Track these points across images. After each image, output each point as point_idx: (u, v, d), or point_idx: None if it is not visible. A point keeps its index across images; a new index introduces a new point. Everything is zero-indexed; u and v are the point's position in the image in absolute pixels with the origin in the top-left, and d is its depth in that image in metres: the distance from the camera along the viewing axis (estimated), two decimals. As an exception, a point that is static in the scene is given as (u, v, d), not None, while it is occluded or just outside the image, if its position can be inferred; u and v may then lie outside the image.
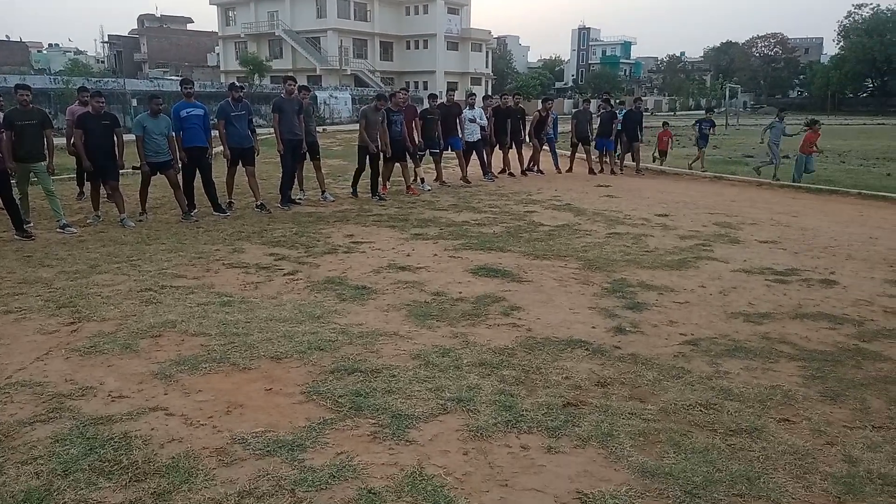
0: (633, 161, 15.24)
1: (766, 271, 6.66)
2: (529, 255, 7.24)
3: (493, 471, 3.08)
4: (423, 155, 12.39)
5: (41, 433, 3.35)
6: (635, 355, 4.43)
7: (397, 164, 11.46)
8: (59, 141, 10.24)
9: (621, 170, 15.31)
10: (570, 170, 15.33)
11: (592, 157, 15.31)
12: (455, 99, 13.34)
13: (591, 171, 15.05)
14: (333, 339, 4.64)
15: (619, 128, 14.88)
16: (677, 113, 59.39)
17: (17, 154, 7.93)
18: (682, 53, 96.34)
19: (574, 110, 17.09)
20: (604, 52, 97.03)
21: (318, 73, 52.53)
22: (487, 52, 65.17)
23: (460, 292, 5.86)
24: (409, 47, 59.83)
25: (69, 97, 22.72)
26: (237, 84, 10.51)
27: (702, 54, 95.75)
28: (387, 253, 7.29)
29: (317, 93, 36.68)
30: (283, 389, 3.89)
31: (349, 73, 53.44)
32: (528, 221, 9.20)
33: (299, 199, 10.56)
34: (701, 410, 3.65)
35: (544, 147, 15.38)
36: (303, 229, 8.47)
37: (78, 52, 76.83)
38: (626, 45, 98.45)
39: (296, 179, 10.55)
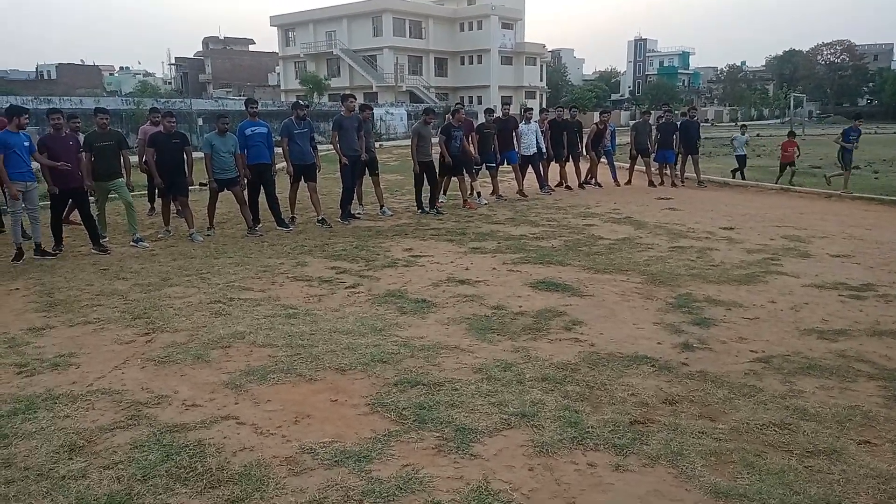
0: (695, 173, 14.92)
1: (840, 286, 6.39)
2: (590, 269, 7.16)
3: (560, 488, 3.05)
4: (480, 169, 12.44)
5: (121, 439, 3.49)
6: (704, 372, 4.31)
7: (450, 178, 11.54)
8: (132, 159, 10.74)
9: (682, 182, 15.01)
10: (629, 182, 15.12)
11: (652, 169, 15.06)
12: (510, 113, 13.35)
13: (652, 184, 14.79)
14: (396, 352, 4.69)
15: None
16: (738, 123, 57.82)
17: (96, 174, 8.35)
18: (743, 63, 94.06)
19: (633, 122, 16.85)
20: (661, 63, 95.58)
21: (374, 90, 53.46)
22: (542, 66, 65.04)
23: (520, 306, 5.84)
24: (463, 63, 60.27)
25: (139, 118, 23.80)
26: (301, 103, 10.80)
27: (763, 63, 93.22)
28: (445, 266, 7.33)
29: (373, 109, 37.34)
30: (349, 401, 3.95)
31: (404, 89, 54.19)
32: (588, 235, 9.11)
33: (358, 213, 10.74)
34: (775, 430, 3.53)
35: (602, 160, 15.23)
36: (363, 243, 8.61)
37: (147, 74, 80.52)
38: (685, 56, 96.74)
39: (355, 195, 10.74)
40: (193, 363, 4.56)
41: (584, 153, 14.93)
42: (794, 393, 4.01)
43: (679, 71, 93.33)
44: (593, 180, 14.93)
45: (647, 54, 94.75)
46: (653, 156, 14.91)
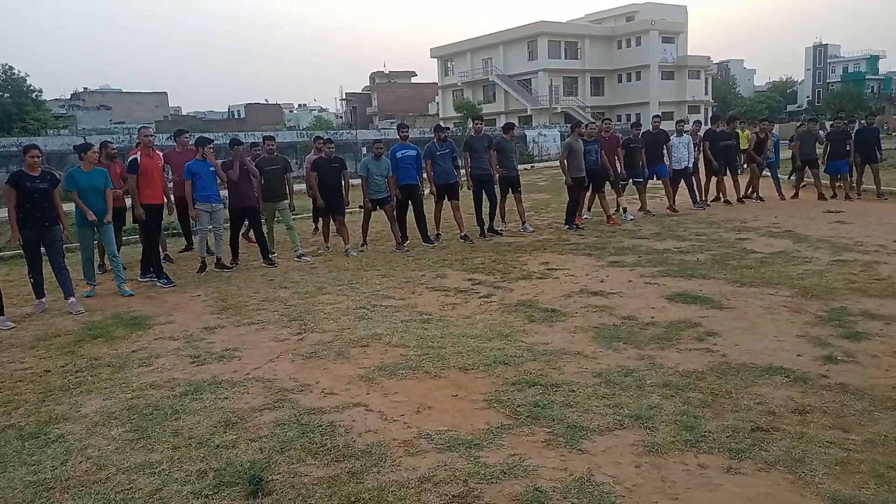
0: (874, 184, 13.50)
1: None
2: (735, 283, 6.83)
3: (665, 485, 3.03)
4: (626, 184, 12.23)
5: (267, 418, 3.97)
6: (844, 385, 4.02)
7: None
8: (301, 186, 11.88)
9: (859, 194, 13.65)
10: (795, 196, 14.02)
11: (822, 180, 13.86)
12: (660, 126, 12.99)
13: (822, 197, 13.58)
14: (518, 356, 4.84)
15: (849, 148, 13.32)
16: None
17: (264, 195, 9.37)
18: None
19: (797, 130, 15.61)
20: (845, 69, 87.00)
21: (528, 113, 54.04)
22: (707, 79, 62.03)
23: (652, 317, 5.74)
24: (620, 80, 59.13)
25: (311, 148, 26.02)
26: (441, 126, 11.37)
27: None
28: (580, 279, 7.35)
29: (526, 132, 37.75)
30: (468, 396, 4.17)
31: (559, 110, 54.18)
32: (739, 249, 8.65)
33: (501, 230, 11.01)
34: (919, 446, 3.23)
35: (765, 172, 14.28)
36: (501, 257, 8.85)
37: (321, 109, 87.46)
38: (873, 60, 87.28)
39: (498, 212, 11.04)
40: (335, 359, 5.03)
41: (745, 166, 14.10)
42: (952, 410, 3.62)
43: (867, 76, 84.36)
44: (755, 194, 14.03)
45: (829, 60, 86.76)
46: (823, 167, 13.73)
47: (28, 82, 41.06)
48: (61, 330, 6.30)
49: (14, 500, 3.20)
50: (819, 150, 13.91)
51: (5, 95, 39.48)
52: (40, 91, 42.60)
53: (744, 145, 14.16)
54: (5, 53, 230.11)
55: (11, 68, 40.42)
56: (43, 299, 7.16)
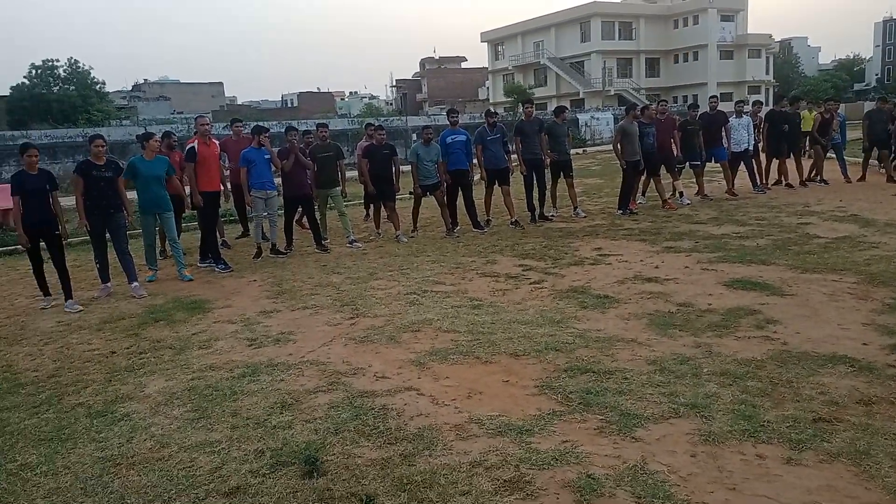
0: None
1: None
2: (797, 269, 6.60)
3: (722, 474, 2.97)
4: (683, 168, 11.91)
5: (321, 400, 4.06)
6: (915, 375, 3.84)
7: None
8: (353, 173, 12.01)
9: (932, 176, 12.95)
10: (862, 178, 13.38)
11: (893, 163, 13.19)
12: (718, 108, 12.59)
13: (891, 179, 12.96)
14: (570, 342, 4.80)
15: None
16: None
17: (318, 181, 9.50)
18: None
19: (867, 110, 14.90)
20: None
21: (580, 96, 53.11)
22: (767, 58, 59.69)
23: (709, 304, 5.60)
24: (677, 61, 57.47)
25: (362, 135, 26.23)
26: (491, 111, 11.29)
27: None
28: (634, 265, 7.22)
29: (578, 115, 37.16)
30: (519, 382, 4.16)
31: (612, 93, 53.07)
32: (801, 234, 8.34)
33: (552, 215, 10.89)
34: None
35: (829, 154, 13.69)
36: (552, 243, 8.76)
37: (372, 97, 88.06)
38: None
39: (549, 197, 10.91)
40: (387, 343, 5.08)
41: (808, 147, 13.55)
42: None
43: (945, 51, 79.73)
44: (818, 177, 13.47)
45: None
46: (895, 147, 13.07)
47: (92, 75, 42.71)
48: (125, 313, 6.56)
49: (84, 474, 3.37)
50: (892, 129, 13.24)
51: (71, 88, 41.15)
52: (103, 83, 44.32)
53: (808, 127, 13.60)
54: (71, 47, 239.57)
55: (77, 62, 42.12)
56: (108, 283, 7.47)
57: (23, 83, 41.46)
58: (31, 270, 7.14)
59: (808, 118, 13.81)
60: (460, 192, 10.09)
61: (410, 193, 10.93)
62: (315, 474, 3.16)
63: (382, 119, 33.43)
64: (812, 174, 13.48)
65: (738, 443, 3.24)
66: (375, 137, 10.10)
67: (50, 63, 41.54)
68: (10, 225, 11.03)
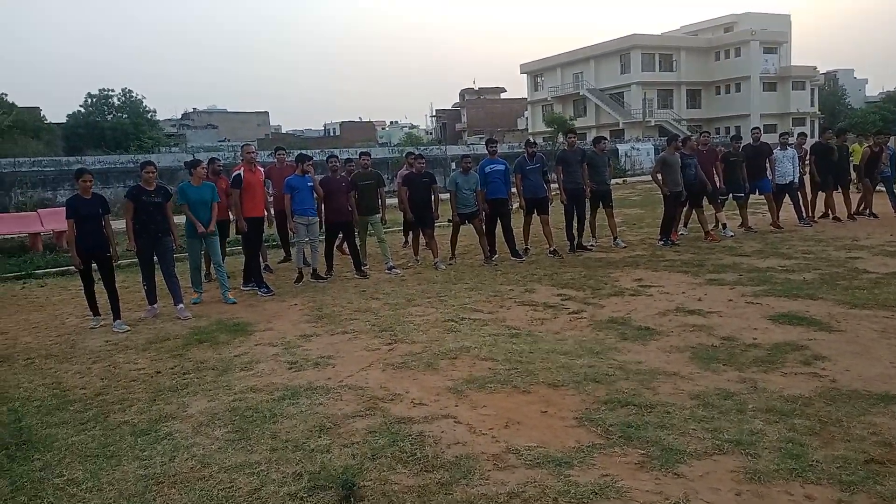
0: None
1: None
2: (846, 304, 6.41)
3: (768, 515, 2.87)
4: (725, 199, 11.74)
5: (359, 425, 4.07)
6: (974, 418, 3.68)
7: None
8: (392, 201, 12.14)
9: None
10: (913, 213, 13.00)
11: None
12: (761, 139, 12.42)
13: (943, 214, 12.55)
14: (610, 374, 4.74)
15: None
16: None
17: (358, 208, 9.64)
18: None
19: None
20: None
21: (620, 126, 52.93)
22: (812, 90, 58.76)
23: (754, 338, 5.47)
24: (718, 92, 56.97)
25: (402, 164, 26.56)
26: (531, 141, 11.34)
27: None
28: (675, 297, 7.11)
29: (618, 146, 37.00)
30: (558, 413, 4.11)
31: (653, 124, 52.78)
32: (850, 268, 8.11)
33: (592, 245, 10.82)
34: None
35: (879, 187, 13.34)
36: (591, 273, 8.69)
37: (412, 126, 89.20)
38: None
39: (588, 227, 10.85)
40: (424, 370, 5.09)
41: (857, 180, 13.23)
42: None
43: None
44: (867, 211, 13.13)
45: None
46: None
47: (144, 104, 44.33)
48: (171, 334, 6.71)
49: (127, 491, 3.43)
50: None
51: (124, 116, 42.70)
52: (154, 111, 45.90)
53: (857, 160, 13.31)
54: (125, 78, 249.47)
55: (130, 92, 43.78)
56: (155, 305, 7.66)
57: (79, 111, 43.25)
58: (83, 290, 7.38)
59: (858, 151, 13.51)
60: (499, 221, 10.11)
61: (449, 221, 11.00)
62: (352, 499, 3.16)
63: (422, 148, 33.86)
64: (861, 208, 13.15)
65: (784, 482, 3.14)
66: (415, 166, 10.22)
67: (105, 92, 43.30)
68: (64, 247, 11.45)
